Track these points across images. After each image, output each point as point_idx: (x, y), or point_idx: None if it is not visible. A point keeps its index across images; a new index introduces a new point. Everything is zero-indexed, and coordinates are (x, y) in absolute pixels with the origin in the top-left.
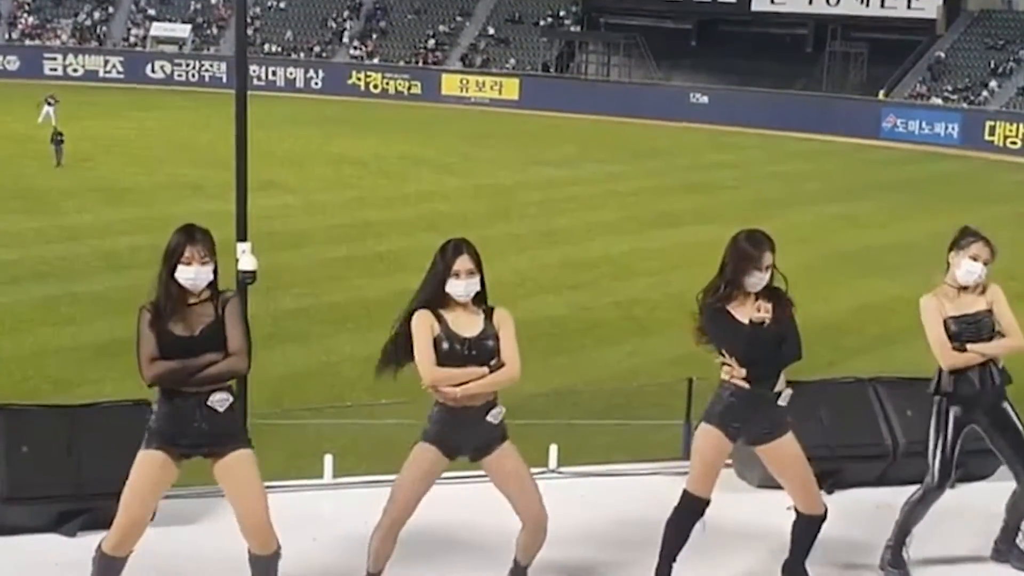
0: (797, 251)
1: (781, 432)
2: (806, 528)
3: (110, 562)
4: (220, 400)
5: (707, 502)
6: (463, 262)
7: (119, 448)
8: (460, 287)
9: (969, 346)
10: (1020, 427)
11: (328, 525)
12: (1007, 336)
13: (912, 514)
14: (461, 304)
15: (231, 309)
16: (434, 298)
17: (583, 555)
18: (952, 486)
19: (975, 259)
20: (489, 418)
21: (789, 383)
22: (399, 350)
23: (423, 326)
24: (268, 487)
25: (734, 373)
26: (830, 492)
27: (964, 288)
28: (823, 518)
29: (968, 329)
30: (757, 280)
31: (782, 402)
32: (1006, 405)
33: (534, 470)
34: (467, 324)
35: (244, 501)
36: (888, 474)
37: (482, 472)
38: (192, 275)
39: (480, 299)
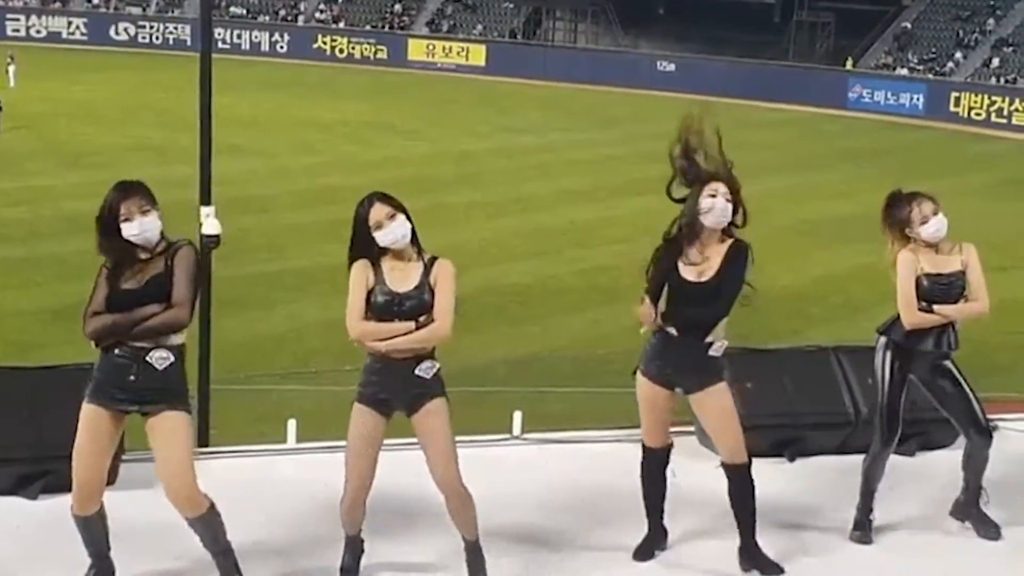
0: (761, 221)
1: (713, 382)
2: (738, 486)
3: (82, 521)
4: (160, 358)
5: (662, 449)
6: (377, 211)
7: (80, 411)
8: (387, 234)
9: (936, 307)
10: (962, 381)
11: (291, 488)
12: (974, 299)
13: (869, 474)
14: (398, 254)
15: (179, 258)
16: (368, 252)
17: (546, 521)
18: (912, 454)
19: (925, 221)
20: (418, 372)
21: (757, 351)
22: None
23: (358, 278)
24: (232, 451)
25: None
26: (792, 460)
27: (936, 246)
28: (747, 467)
29: (940, 290)
30: (709, 205)
31: (714, 352)
32: (948, 362)
33: (498, 436)
34: (403, 277)
35: (163, 465)
36: (850, 442)
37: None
38: (137, 230)
39: (418, 247)
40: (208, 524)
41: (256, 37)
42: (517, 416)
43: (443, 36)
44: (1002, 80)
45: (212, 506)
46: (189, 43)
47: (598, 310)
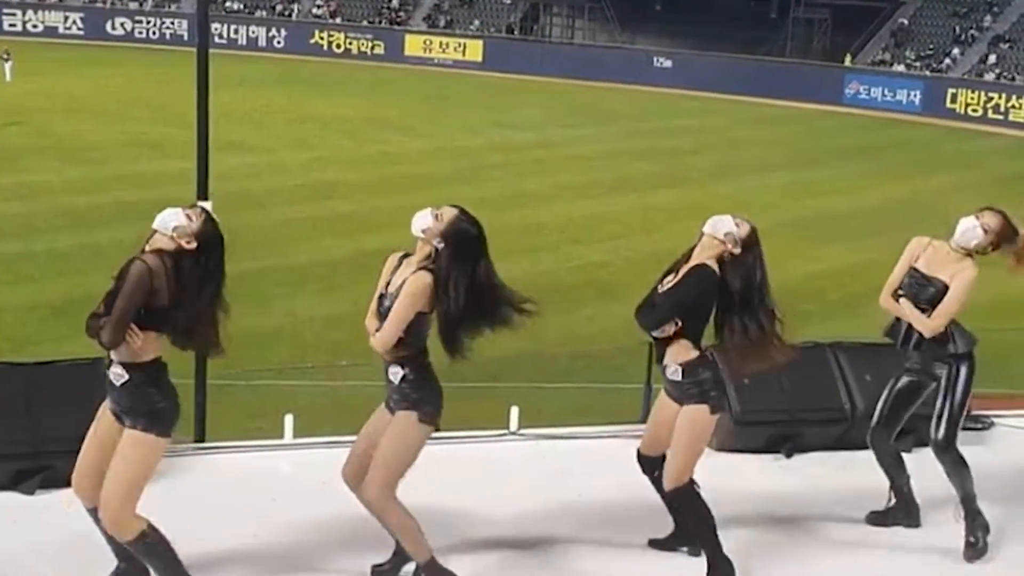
0: (758, 217)
1: (683, 403)
2: (681, 511)
3: (92, 514)
4: (115, 375)
5: (648, 456)
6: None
7: (77, 406)
8: (414, 219)
9: (901, 300)
10: (944, 389)
11: (287, 484)
12: (936, 311)
13: (877, 459)
14: (415, 254)
15: (128, 275)
16: None
17: (542, 516)
18: (909, 450)
19: (977, 217)
20: (389, 374)
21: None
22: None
23: (386, 266)
24: (229, 446)
25: None
26: (789, 456)
27: (958, 249)
28: (675, 495)
29: (910, 285)
30: (728, 223)
31: (669, 376)
32: (945, 384)
33: (495, 432)
34: (399, 277)
35: (105, 481)
36: (846, 438)
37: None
38: (166, 212)
39: (432, 263)
40: (143, 552)
41: (253, 32)
42: (514, 412)
43: (440, 32)
44: (993, 76)
45: (142, 535)
46: (186, 38)
47: (594, 306)
